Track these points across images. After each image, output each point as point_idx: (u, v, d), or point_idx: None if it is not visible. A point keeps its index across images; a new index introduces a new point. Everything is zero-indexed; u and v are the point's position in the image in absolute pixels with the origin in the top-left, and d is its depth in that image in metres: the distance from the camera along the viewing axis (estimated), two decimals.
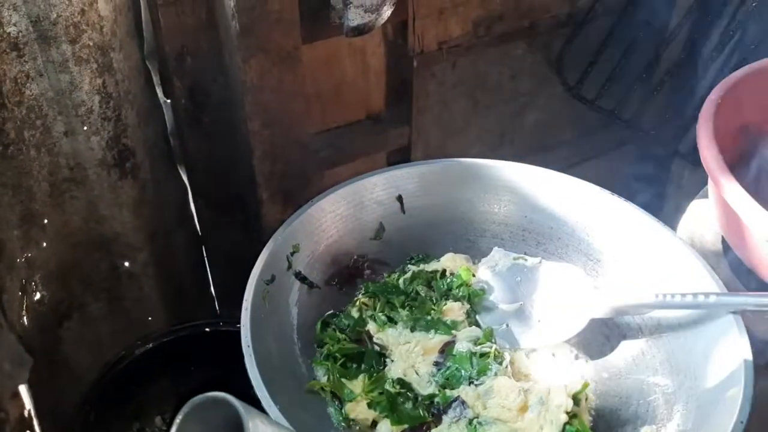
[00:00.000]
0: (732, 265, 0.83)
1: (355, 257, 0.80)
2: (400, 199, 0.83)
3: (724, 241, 0.85)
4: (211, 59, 0.89)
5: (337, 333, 0.72)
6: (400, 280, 0.77)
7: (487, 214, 0.84)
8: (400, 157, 1.11)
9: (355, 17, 0.81)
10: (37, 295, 0.85)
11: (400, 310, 0.74)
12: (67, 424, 0.79)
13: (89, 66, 0.80)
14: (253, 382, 0.60)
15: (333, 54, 1.01)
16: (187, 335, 0.88)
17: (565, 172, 1.29)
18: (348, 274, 0.79)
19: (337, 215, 0.80)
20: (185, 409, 0.48)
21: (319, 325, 0.73)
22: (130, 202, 0.90)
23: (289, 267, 0.74)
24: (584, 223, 0.81)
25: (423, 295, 0.76)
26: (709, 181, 0.83)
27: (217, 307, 1.11)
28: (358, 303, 0.75)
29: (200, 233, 1.05)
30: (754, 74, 0.87)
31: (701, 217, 0.89)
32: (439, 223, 0.84)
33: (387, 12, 0.84)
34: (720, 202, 0.79)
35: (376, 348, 0.71)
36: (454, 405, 0.65)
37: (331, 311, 0.75)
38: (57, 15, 0.75)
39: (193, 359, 0.90)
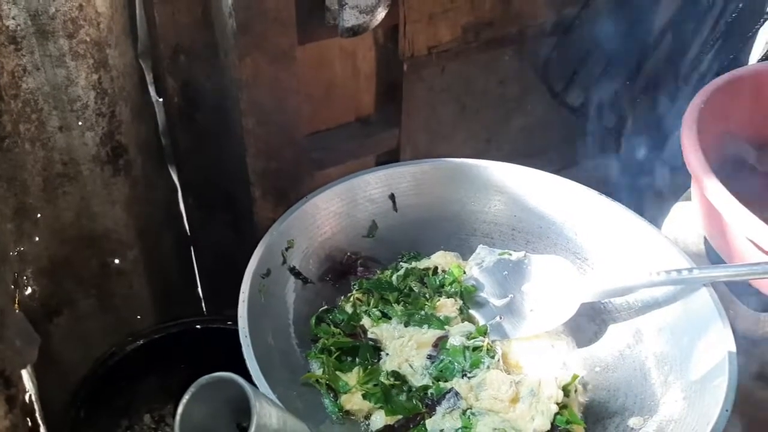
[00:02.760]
0: (713, 264, 0.85)
1: (348, 254, 0.81)
2: (392, 197, 0.84)
3: (706, 242, 0.87)
4: (205, 57, 0.90)
5: (332, 327, 0.73)
6: (393, 277, 0.78)
7: (477, 213, 0.85)
8: (389, 159, 1.12)
9: (350, 18, 0.83)
10: (28, 290, 0.85)
11: (394, 305, 0.75)
12: (57, 419, 0.79)
13: (86, 61, 0.80)
14: (252, 373, 0.60)
15: (324, 56, 1.02)
16: (177, 332, 0.88)
17: None
18: (341, 270, 0.80)
19: (331, 212, 0.81)
20: (192, 389, 0.48)
21: (313, 320, 0.74)
22: (122, 198, 0.90)
23: (284, 262, 0.75)
24: (572, 222, 0.83)
25: (416, 291, 0.77)
26: (693, 182, 0.86)
27: (203, 306, 1.12)
28: (352, 298, 0.76)
29: (188, 232, 1.06)
30: (735, 81, 0.90)
31: (684, 220, 0.91)
32: (430, 221, 0.85)
33: (381, 14, 0.85)
34: (703, 203, 0.81)
35: (371, 342, 0.72)
36: (447, 396, 0.66)
37: (325, 306, 0.76)
38: (55, 9, 0.75)
39: (182, 356, 0.90)
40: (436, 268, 0.80)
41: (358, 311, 0.75)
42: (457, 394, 0.66)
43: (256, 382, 0.59)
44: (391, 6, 0.91)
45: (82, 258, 0.90)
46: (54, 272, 0.87)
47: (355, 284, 0.79)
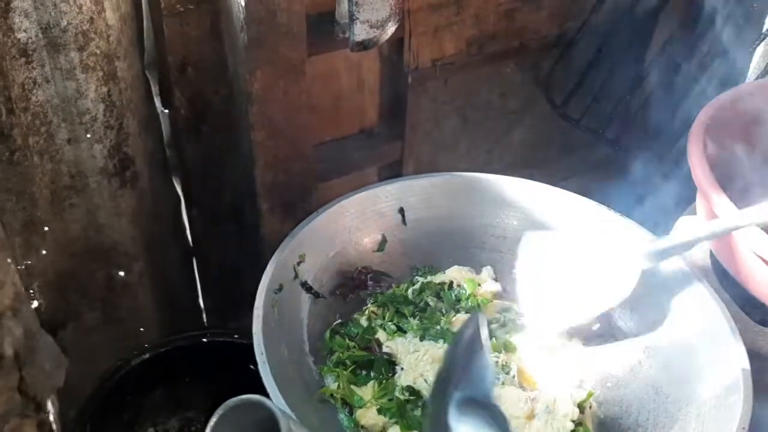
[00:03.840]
0: (720, 278, 0.86)
1: (359, 269, 0.81)
2: (401, 211, 0.84)
3: (712, 255, 0.88)
4: (214, 70, 0.90)
5: (347, 341, 0.73)
6: (409, 291, 0.79)
7: (486, 227, 0.86)
8: (392, 172, 1.13)
9: (360, 32, 0.83)
10: (35, 304, 0.84)
11: (410, 319, 0.76)
12: None
13: (95, 74, 0.80)
14: (269, 389, 0.60)
15: (330, 68, 1.02)
16: (183, 345, 0.87)
17: None
18: (352, 285, 0.80)
19: (341, 226, 0.81)
20: (220, 411, 0.48)
21: (328, 333, 0.74)
22: (129, 211, 0.90)
23: (296, 276, 0.75)
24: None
25: (432, 305, 0.77)
26: (699, 196, 0.87)
27: (205, 319, 1.11)
28: (367, 312, 0.76)
29: (192, 245, 1.05)
30: (741, 96, 0.91)
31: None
32: (439, 235, 0.85)
33: (391, 28, 0.86)
34: (710, 217, 0.82)
35: (386, 356, 0.72)
36: None
37: (340, 320, 0.76)
38: (67, 22, 0.75)
39: (188, 369, 0.90)
40: (451, 282, 0.80)
41: (373, 325, 0.75)
42: None
43: (273, 399, 0.59)
44: None
45: (88, 271, 0.89)
46: (60, 286, 0.87)
47: (370, 298, 0.79)
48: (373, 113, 1.11)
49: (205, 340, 0.88)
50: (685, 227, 0.75)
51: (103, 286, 0.92)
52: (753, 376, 0.65)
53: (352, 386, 0.69)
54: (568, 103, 1.18)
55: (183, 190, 1.01)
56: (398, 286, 0.81)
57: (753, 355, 0.78)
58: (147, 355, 0.85)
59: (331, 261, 0.79)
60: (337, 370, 0.70)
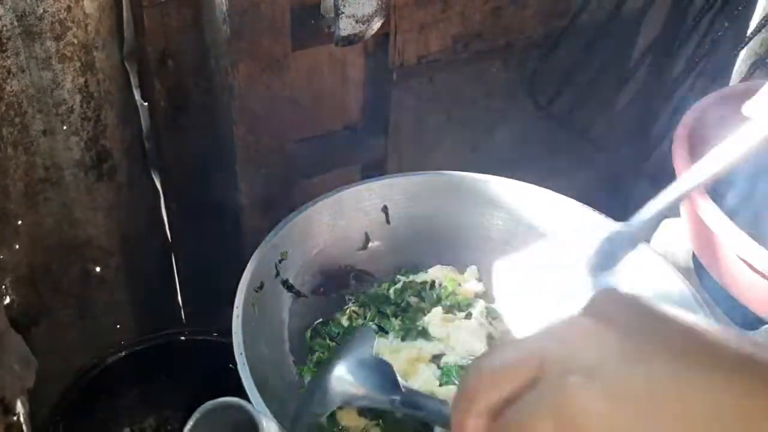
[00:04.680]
0: (703, 282, 0.86)
1: (341, 267, 0.79)
2: (385, 209, 0.83)
3: (695, 257, 0.88)
4: (194, 62, 0.88)
5: (327, 341, 0.72)
6: (391, 291, 0.77)
7: (470, 228, 0.85)
8: (375, 169, 1.11)
9: (346, 27, 0.82)
10: (7, 299, 0.82)
11: (392, 319, 0.74)
12: None
13: (72, 64, 0.78)
14: (248, 391, 0.58)
15: (314, 63, 1.01)
16: (160, 344, 0.86)
17: None
18: (335, 284, 0.78)
19: (324, 224, 0.79)
20: (197, 414, 0.47)
21: (309, 333, 0.73)
22: (105, 205, 0.88)
23: (277, 275, 0.74)
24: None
25: (414, 306, 0.76)
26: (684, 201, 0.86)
27: (183, 315, 1.09)
28: (348, 311, 0.75)
29: (171, 239, 1.03)
30: (727, 98, 0.91)
31: (672, 235, 0.92)
32: (423, 234, 0.84)
33: (377, 23, 0.84)
34: (694, 220, 0.82)
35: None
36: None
37: (321, 320, 0.74)
38: (43, 10, 0.73)
39: (165, 369, 0.88)
40: (433, 282, 0.79)
41: (354, 324, 0.74)
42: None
43: (252, 400, 0.58)
44: None
45: (62, 266, 0.87)
46: (33, 281, 0.85)
47: (351, 298, 0.78)
48: (356, 109, 1.09)
49: (183, 338, 0.87)
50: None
51: (78, 282, 0.89)
52: None
53: None
54: (553, 103, 1.18)
55: (162, 184, 0.99)
56: (380, 286, 0.80)
57: None
58: (122, 354, 0.84)
59: (313, 259, 0.78)
60: (316, 370, 0.69)
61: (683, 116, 0.88)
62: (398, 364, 0.71)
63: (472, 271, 0.84)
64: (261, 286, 0.70)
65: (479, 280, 0.83)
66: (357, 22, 0.82)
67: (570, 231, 0.77)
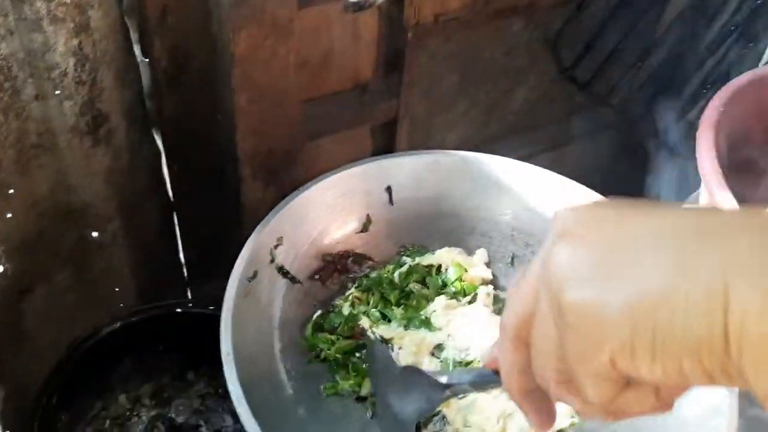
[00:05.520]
0: None
1: (341, 252, 0.77)
2: (389, 189, 0.80)
3: None
4: (197, 20, 0.83)
5: (327, 335, 0.70)
6: (395, 274, 0.75)
7: (476, 210, 0.81)
8: (386, 131, 1.07)
9: None
10: (0, 269, 0.80)
11: (394, 308, 0.72)
12: (31, 406, 0.76)
13: (65, 26, 0.73)
14: (233, 397, 0.57)
15: (323, 21, 0.95)
16: (156, 315, 0.84)
17: (551, 153, 1.28)
18: (332, 269, 0.76)
19: (324, 205, 0.76)
20: None
21: (310, 329, 0.71)
22: (102, 170, 0.85)
23: (272, 260, 0.71)
24: None
25: (416, 292, 0.74)
26: (703, 188, 0.82)
27: (186, 275, 1.08)
28: (351, 297, 0.73)
29: (173, 200, 1.01)
30: (757, 82, 0.86)
31: None
32: (427, 216, 0.81)
33: None
34: None
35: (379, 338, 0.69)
36: (435, 419, 0.64)
37: (320, 311, 0.72)
38: None
39: (162, 339, 0.87)
40: (439, 266, 0.76)
41: (356, 312, 0.72)
42: (444, 417, 0.64)
43: (238, 409, 0.56)
44: None
45: (57, 233, 0.85)
46: (27, 248, 0.82)
47: (352, 283, 0.75)
48: (368, 69, 1.04)
49: (179, 310, 0.85)
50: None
51: (75, 248, 0.88)
52: (738, 400, 0.63)
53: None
54: (576, 66, 1.12)
55: (164, 144, 0.96)
56: (384, 268, 0.78)
57: None
58: (117, 325, 0.82)
59: (311, 243, 0.75)
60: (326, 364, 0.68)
61: (711, 100, 0.82)
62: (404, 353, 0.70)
63: (481, 254, 0.81)
64: (254, 275, 0.68)
65: (488, 264, 0.81)
66: None
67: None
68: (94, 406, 0.86)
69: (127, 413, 0.89)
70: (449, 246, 0.80)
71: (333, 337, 0.69)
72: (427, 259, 0.78)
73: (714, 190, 0.75)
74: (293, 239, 0.73)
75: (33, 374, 0.81)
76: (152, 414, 0.89)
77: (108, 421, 0.88)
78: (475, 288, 0.77)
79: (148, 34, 0.85)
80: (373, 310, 0.72)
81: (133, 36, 0.86)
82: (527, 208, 0.80)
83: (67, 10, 0.73)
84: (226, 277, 0.69)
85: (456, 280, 0.77)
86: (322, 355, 0.69)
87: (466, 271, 0.77)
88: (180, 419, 0.89)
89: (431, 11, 0.99)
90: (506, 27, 1.08)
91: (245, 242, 0.75)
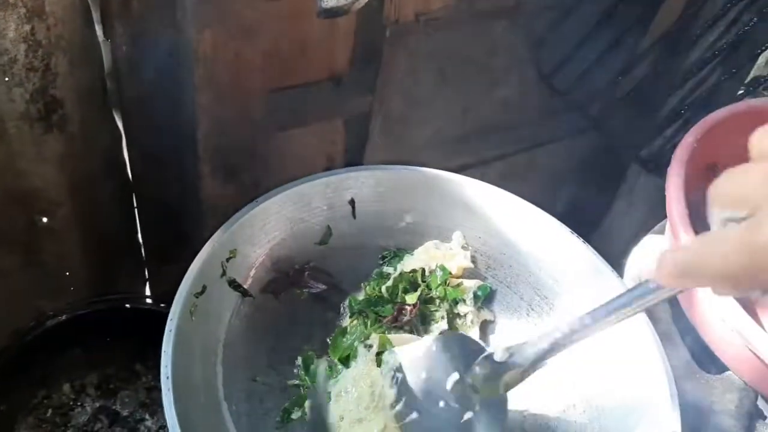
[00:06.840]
0: (674, 311, 0.83)
1: (297, 266, 0.75)
2: (352, 202, 0.78)
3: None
4: (160, 9, 0.79)
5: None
6: (383, 288, 0.73)
7: (439, 229, 0.79)
8: (359, 125, 1.04)
9: None
10: None
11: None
12: None
13: (16, 11, 0.69)
14: (168, 424, 0.55)
15: (299, 10, 0.91)
16: (103, 309, 0.82)
17: (525, 154, 1.26)
18: (288, 282, 0.74)
19: (282, 216, 0.74)
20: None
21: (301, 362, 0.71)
22: (55, 156, 0.82)
23: (223, 274, 0.69)
24: (537, 256, 0.77)
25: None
26: (668, 229, 0.81)
27: (144, 258, 1.06)
28: (347, 327, 0.71)
29: (132, 181, 0.98)
30: (732, 118, 0.84)
31: (653, 254, 0.87)
32: (388, 231, 0.79)
33: None
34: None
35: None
36: None
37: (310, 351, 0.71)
38: None
39: (108, 331, 0.85)
40: (423, 270, 0.74)
41: (353, 334, 0.70)
42: None
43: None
44: None
45: (5, 216, 0.82)
46: None
47: (343, 311, 0.74)
48: (343, 61, 1.00)
49: (127, 306, 0.83)
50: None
51: (24, 231, 0.85)
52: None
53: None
54: (556, 74, 1.09)
55: (124, 126, 0.93)
56: (368, 285, 0.75)
57: (695, 407, 0.76)
58: (63, 317, 0.80)
59: (267, 254, 0.73)
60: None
61: (685, 135, 0.80)
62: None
63: (457, 237, 0.78)
64: (203, 290, 0.66)
65: (465, 247, 0.78)
66: None
67: None
68: (37, 394, 0.84)
69: (71, 402, 0.88)
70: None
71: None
72: (408, 264, 0.76)
73: (679, 234, 0.74)
74: (248, 251, 0.71)
75: None
76: (96, 405, 0.87)
77: (50, 411, 0.86)
78: (462, 293, 0.75)
79: (109, 16, 0.81)
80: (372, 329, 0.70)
81: (95, 15, 0.82)
82: (492, 231, 0.78)
83: None
84: (185, 261, 0.66)
85: (440, 285, 0.75)
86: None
87: (451, 273, 0.76)
88: (125, 412, 0.88)
89: (412, 9, 0.95)
90: (489, 28, 1.05)
91: (203, 229, 0.72)
